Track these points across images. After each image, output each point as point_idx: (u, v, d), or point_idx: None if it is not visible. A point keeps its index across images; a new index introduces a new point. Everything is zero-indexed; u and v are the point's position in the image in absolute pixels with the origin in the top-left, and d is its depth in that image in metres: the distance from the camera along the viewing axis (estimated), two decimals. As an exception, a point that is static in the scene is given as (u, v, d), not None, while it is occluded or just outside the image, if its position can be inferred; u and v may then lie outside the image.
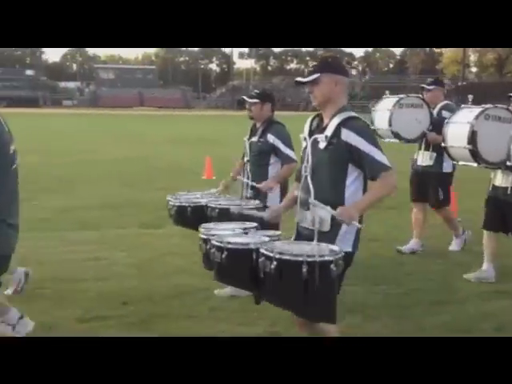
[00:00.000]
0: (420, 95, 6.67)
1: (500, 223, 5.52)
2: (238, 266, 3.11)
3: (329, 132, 3.21)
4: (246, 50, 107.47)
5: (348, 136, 3.16)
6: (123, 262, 6.21)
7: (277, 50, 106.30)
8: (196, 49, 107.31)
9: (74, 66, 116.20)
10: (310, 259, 2.79)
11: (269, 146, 4.95)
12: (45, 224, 7.98)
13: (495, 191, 5.54)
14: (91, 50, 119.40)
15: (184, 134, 27.95)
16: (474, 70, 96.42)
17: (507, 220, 5.43)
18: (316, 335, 3.18)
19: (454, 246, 6.81)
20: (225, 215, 4.12)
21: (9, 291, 4.89)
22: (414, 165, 6.82)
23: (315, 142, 3.28)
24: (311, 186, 3.24)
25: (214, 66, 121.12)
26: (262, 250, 2.94)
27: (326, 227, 3.16)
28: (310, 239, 3.11)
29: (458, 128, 5.48)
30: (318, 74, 3.23)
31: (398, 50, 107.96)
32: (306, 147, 3.35)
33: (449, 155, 5.73)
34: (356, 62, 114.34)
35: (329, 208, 3.09)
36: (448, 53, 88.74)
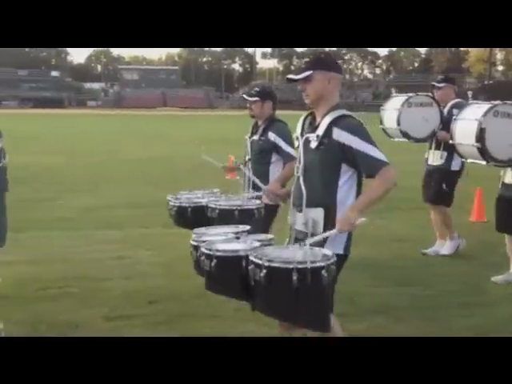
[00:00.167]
0: (430, 93, 6.51)
1: None
2: (227, 275, 2.97)
3: (320, 131, 3.11)
4: (268, 49, 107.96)
5: (340, 135, 3.06)
6: (147, 261, 6.25)
7: (300, 49, 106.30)
8: (219, 49, 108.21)
9: (99, 67, 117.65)
10: (300, 266, 2.65)
11: (270, 144, 4.87)
12: (70, 223, 8.09)
13: (505, 189, 5.42)
14: (115, 51, 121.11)
15: (207, 133, 28.03)
16: (500, 68, 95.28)
17: None
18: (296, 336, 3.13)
19: (447, 249, 6.58)
20: (225, 216, 4.02)
21: None
22: (425, 165, 6.67)
23: (307, 142, 3.18)
24: (303, 187, 3.16)
25: (236, 66, 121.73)
26: (252, 258, 2.79)
27: (319, 229, 3.09)
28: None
29: (466, 125, 5.29)
30: (311, 71, 3.11)
31: (423, 49, 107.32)
32: (298, 147, 3.28)
33: (457, 153, 5.57)
34: (380, 61, 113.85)
35: (327, 233, 3.00)
36: (474, 51, 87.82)
